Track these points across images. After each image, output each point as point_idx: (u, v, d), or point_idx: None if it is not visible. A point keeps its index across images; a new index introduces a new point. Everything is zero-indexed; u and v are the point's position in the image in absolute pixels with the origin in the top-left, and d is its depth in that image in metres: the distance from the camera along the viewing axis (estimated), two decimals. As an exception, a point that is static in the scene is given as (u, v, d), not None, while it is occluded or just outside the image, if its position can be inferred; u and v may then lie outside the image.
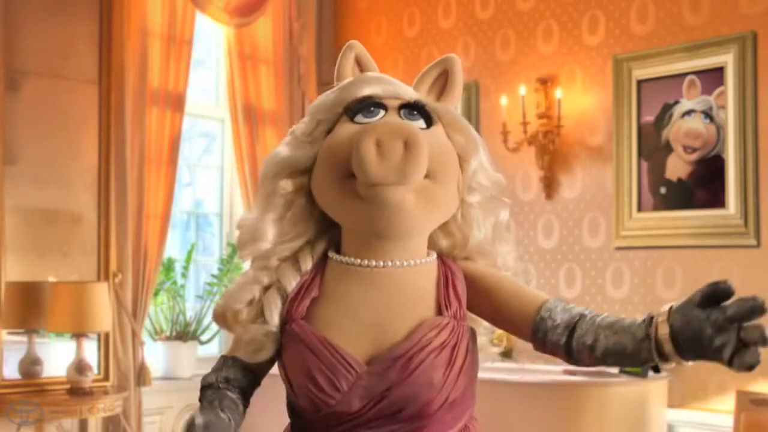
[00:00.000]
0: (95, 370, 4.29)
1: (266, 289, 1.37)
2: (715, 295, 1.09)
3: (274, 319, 1.33)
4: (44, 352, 4.27)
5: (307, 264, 1.37)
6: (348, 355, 1.26)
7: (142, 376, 4.49)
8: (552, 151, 4.56)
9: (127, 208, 4.48)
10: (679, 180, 4.19)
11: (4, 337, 4.17)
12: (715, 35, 4.08)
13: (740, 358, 1.07)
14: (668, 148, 4.23)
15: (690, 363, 1.14)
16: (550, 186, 4.60)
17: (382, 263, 1.32)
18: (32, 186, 4.27)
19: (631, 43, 4.38)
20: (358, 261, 1.33)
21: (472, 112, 4.88)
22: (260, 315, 1.35)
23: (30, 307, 4.18)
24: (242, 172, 5.06)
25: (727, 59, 4.03)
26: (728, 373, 3.98)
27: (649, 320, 1.17)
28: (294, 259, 1.38)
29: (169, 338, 4.89)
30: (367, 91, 1.37)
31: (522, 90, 4.57)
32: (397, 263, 1.33)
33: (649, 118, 4.30)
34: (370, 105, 1.35)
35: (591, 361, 1.24)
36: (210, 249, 5.48)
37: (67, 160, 4.40)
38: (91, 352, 4.29)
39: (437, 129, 1.36)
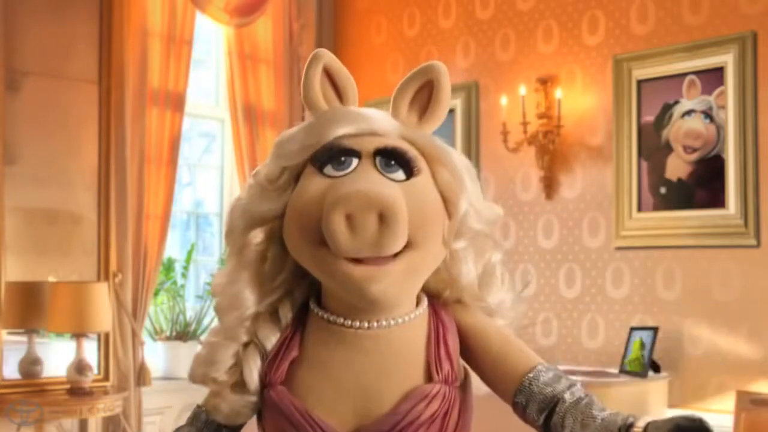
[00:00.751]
0: (95, 370, 4.29)
1: (245, 345, 1.24)
2: (690, 430, 1.05)
3: (255, 383, 1.22)
4: (44, 352, 4.27)
5: (287, 317, 1.25)
6: (330, 428, 1.17)
7: (142, 376, 4.49)
8: (552, 151, 4.56)
9: (127, 208, 4.48)
10: (679, 180, 4.19)
11: (4, 337, 4.17)
12: (715, 35, 4.08)
13: None
14: (668, 148, 4.23)
15: None
16: (550, 186, 4.60)
17: (367, 324, 1.19)
18: (32, 186, 4.27)
19: (631, 43, 4.38)
20: (341, 320, 1.20)
21: (472, 112, 4.89)
22: (240, 376, 1.23)
23: (30, 307, 4.18)
24: (242, 172, 5.06)
25: (727, 59, 4.03)
26: (728, 373, 4.00)
27: (626, 429, 1.13)
28: (273, 310, 1.25)
29: (169, 338, 4.89)
30: (336, 131, 1.19)
31: (522, 90, 4.57)
32: (384, 323, 1.19)
33: (649, 118, 4.30)
34: (340, 154, 1.18)
35: None
36: (210, 249, 5.48)
37: (67, 160, 4.40)
38: (91, 352, 4.29)
39: (418, 179, 1.19)
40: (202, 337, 4.99)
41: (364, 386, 1.18)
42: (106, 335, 4.38)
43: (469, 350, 1.25)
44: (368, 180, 1.15)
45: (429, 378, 1.20)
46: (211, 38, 5.32)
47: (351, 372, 1.19)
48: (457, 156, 1.25)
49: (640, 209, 4.31)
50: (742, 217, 3.97)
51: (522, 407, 1.20)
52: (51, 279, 4.25)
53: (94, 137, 4.46)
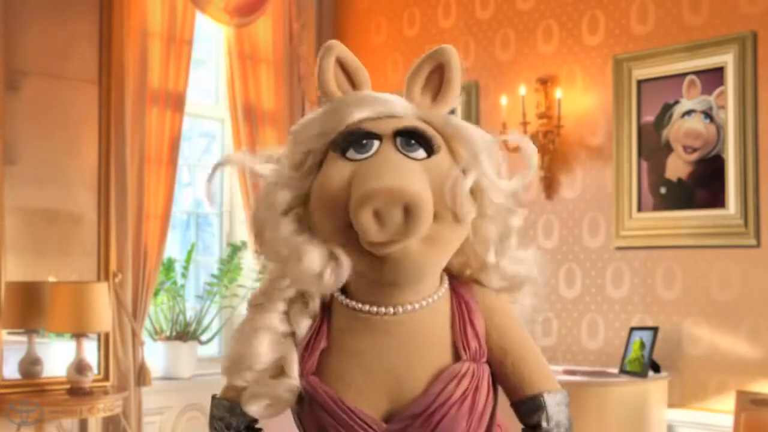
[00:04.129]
0: (95, 370, 4.29)
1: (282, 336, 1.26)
2: None
3: (295, 371, 1.23)
4: (44, 352, 4.26)
5: (316, 303, 1.27)
6: (365, 415, 1.20)
7: (142, 376, 4.49)
8: (552, 151, 4.56)
9: (127, 208, 4.48)
10: (679, 180, 4.19)
11: (4, 337, 4.17)
12: (715, 35, 4.08)
13: None
14: (668, 148, 4.23)
15: None
16: (550, 186, 4.60)
17: (392, 310, 1.23)
18: (32, 186, 4.27)
19: (631, 43, 4.38)
20: (367, 308, 1.23)
21: (472, 112, 4.88)
22: (275, 366, 1.25)
23: (30, 307, 4.18)
24: (242, 172, 5.05)
25: (727, 59, 4.03)
26: (728, 372, 4.00)
27: None
28: (301, 297, 1.27)
29: (169, 338, 4.89)
30: (355, 116, 1.23)
31: (522, 90, 4.57)
32: (408, 308, 1.23)
33: (649, 118, 4.30)
34: (361, 138, 1.21)
35: None
36: (210, 249, 5.48)
37: (67, 160, 4.40)
38: (91, 352, 4.28)
39: (438, 156, 1.22)
40: (202, 337, 5.01)
41: (394, 371, 1.21)
42: (106, 335, 4.38)
43: (492, 344, 1.28)
44: (392, 167, 1.17)
45: (456, 357, 1.23)
46: (211, 38, 5.31)
47: (380, 358, 1.22)
48: (474, 132, 1.27)
49: (640, 209, 4.31)
50: (742, 217, 3.97)
51: (518, 415, 1.28)
52: (51, 279, 4.25)
53: (94, 137, 4.46)
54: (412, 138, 1.21)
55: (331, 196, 1.18)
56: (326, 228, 1.20)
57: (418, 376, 1.21)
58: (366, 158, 1.20)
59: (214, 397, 1.33)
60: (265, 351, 1.24)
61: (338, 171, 1.19)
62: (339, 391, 1.21)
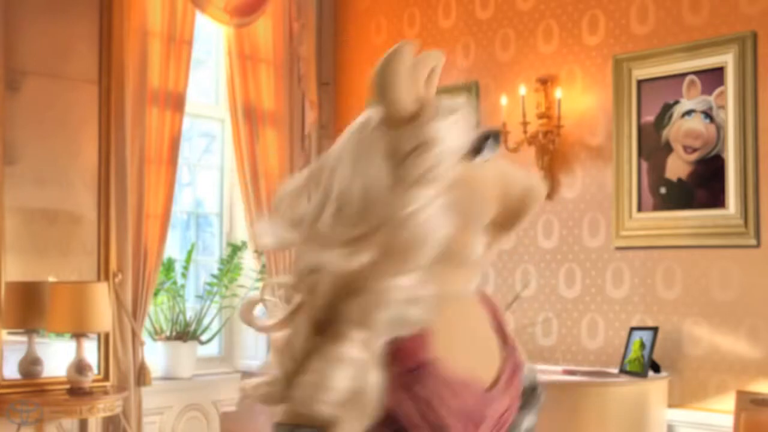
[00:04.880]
0: (95, 370, 4.29)
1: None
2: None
3: (373, 399, 1.08)
4: (44, 352, 4.27)
5: None
6: (479, 382, 1.22)
7: (142, 376, 4.49)
8: (552, 151, 4.56)
9: (127, 208, 4.48)
10: (679, 180, 4.19)
11: (4, 337, 4.17)
12: (715, 35, 4.08)
13: None
14: (668, 148, 4.23)
15: None
16: (550, 186, 4.59)
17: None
18: (32, 186, 4.27)
19: (631, 43, 4.38)
20: None
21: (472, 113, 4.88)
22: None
23: (30, 307, 4.18)
24: (242, 172, 5.06)
25: (727, 59, 4.03)
26: (728, 372, 4.00)
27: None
28: None
29: (169, 338, 4.89)
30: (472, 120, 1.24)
31: (522, 90, 4.57)
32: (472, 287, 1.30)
33: (649, 118, 4.30)
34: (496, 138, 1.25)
35: None
36: (210, 249, 5.48)
37: (67, 160, 4.40)
38: (91, 352, 4.29)
39: None
40: (202, 337, 5.01)
41: (484, 341, 1.28)
42: (106, 335, 4.38)
43: None
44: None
45: (503, 340, 1.31)
46: (211, 38, 5.32)
47: (473, 332, 1.27)
48: None
49: (640, 209, 4.31)
50: (742, 217, 3.97)
51: None
52: (51, 279, 4.25)
53: (94, 137, 4.46)
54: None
55: (496, 189, 1.21)
56: (483, 213, 1.18)
57: (495, 344, 1.29)
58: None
59: (277, 424, 1.10)
60: (343, 384, 1.05)
61: (490, 169, 1.23)
62: (451, 368, 1.16)
